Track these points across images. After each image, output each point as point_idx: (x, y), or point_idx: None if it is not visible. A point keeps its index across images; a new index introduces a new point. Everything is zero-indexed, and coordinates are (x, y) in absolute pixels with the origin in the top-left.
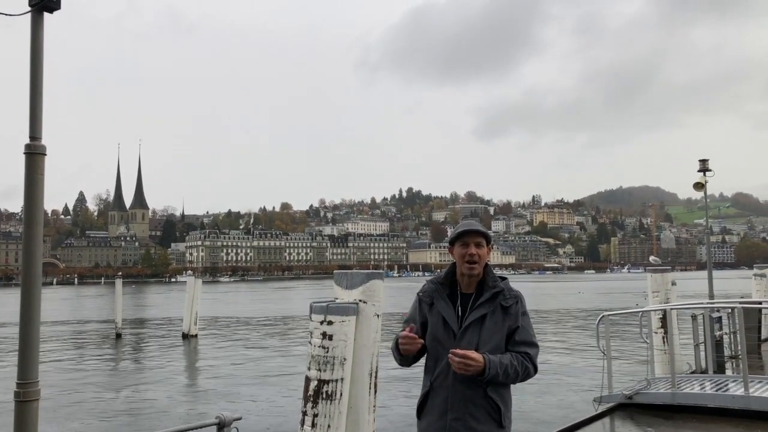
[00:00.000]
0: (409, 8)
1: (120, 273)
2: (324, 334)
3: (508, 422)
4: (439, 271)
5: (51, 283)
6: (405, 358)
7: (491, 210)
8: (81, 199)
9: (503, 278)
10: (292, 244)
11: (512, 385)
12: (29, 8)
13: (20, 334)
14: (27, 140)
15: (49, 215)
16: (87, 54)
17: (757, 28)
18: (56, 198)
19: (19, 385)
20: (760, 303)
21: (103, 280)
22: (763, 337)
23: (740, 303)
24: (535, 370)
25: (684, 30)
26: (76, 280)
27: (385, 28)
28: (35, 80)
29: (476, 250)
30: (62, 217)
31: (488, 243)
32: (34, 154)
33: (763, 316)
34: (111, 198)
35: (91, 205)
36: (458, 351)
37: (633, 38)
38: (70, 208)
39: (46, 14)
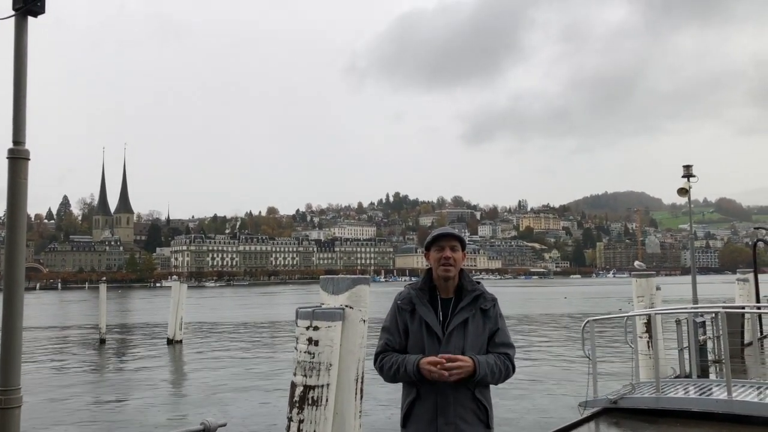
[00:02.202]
0: (397, 15)
1: (104, 278)
2: (310, 340)
3: (492, 423)
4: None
5: (34, 288)
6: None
7: (478, 215)
8: (65, 203)
9: (478, 282)
10: (278, 249)
11: (493, 389)
12: (13, 12)
13: (2, 339)
14: (10, 145)
15: (33, 220)
16: (72, 58)
17: (738, 35)
18: (40, 202)
19: (1, 392)
20: (743, 308)
21: (87, 285)
22: (746, 342)
23: (724, 308)
24: (514, 370)
25: (668, 38)
26: (59, 285)
27: (373, 34)
28: (19, 84)
29: (451, 253)
30: (46, 221)
31: (463, 248)
32: (18, 159)
33: (746, 320)
34: (95, 202)
35: (76, 210)
36: (448, 358)
37: (618, 45)
38: (54, 212)
39: (30, 18)
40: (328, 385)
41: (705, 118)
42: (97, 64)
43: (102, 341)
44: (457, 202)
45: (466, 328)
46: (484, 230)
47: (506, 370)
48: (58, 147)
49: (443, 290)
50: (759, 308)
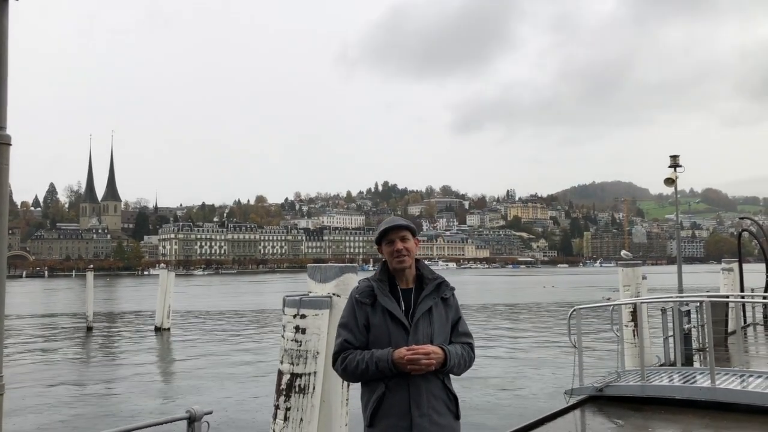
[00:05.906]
0: (388, 5)
1: (91, 266)
2: (297, 328)
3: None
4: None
5: (20, 276)
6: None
7: (466, 204)
8: (52, 190)
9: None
10: (266, 238)
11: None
12: None
13: None
14: None
15: (19, 207)
16: (59, 44)
17: (724, 28)
18: (26, 190)
19: None
20: (727, 297)
21: (74, 273)
22: (729, 330)
23: (708, 297)
24: (473, 359)
25: (656, 29)
26: (46, 272)
27: (365, 23)
28: (0, 68)
29: (402, 244)
30: (32, 209)
31: (414, 235)
32: None
33: (729, 309)
34: (82, 190)
35: (62, 197)
36: (418, 348)
37: (607, 36)
38: (41, 199)
39: (12, 2)
40: (315, 372)
41: (692, 109)
42: (84, 50)
43: (89, 329)
44: (446, 191)
45: (432, 317)
46: (473, 219)
47: (470, 360)
48: (44, 134)
49: (402, 281)
50: (743, 297)
